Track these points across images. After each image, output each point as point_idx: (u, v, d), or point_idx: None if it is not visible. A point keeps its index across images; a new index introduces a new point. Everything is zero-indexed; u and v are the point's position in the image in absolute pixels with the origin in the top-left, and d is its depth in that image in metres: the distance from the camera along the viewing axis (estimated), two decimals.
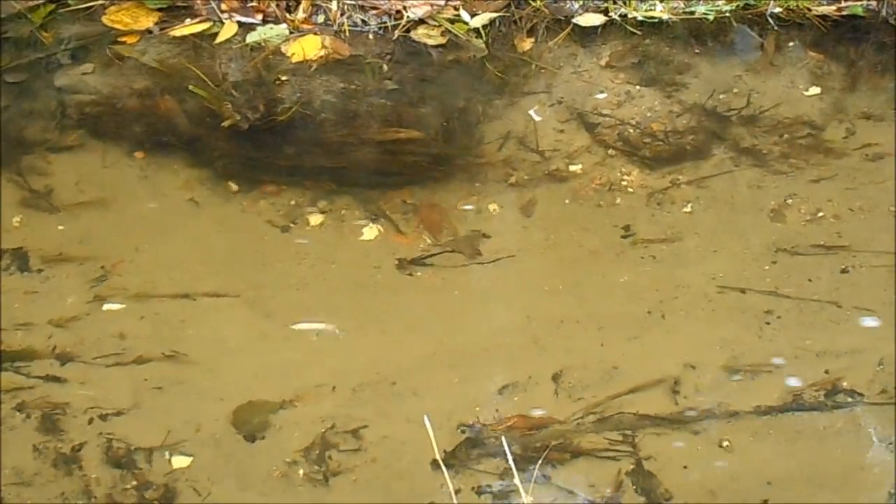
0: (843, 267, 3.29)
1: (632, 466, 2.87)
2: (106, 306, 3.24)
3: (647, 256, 3.35)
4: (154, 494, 2.84)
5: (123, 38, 4.12)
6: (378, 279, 3.32)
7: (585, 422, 2.96)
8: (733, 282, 3.26)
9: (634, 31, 4.11)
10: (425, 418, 2.63)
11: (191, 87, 3.88)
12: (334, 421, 2.97)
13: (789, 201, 3.49)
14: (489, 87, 3.93)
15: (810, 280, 3.26)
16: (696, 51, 4.05)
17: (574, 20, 4.16)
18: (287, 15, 4.15)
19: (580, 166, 3.63)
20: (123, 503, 2.82)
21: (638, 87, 3.91)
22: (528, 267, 3.35)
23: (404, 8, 4.14)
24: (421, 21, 4.14)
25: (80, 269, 3.34)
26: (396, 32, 4.11)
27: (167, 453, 2.91)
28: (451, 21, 4.13)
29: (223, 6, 4.19)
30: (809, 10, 4.11)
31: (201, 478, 2.87)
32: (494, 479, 2.86)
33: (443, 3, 4.16)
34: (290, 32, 4.12)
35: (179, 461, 2.90)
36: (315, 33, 4.11)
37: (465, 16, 4.13)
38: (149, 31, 4.15)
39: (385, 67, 4.00)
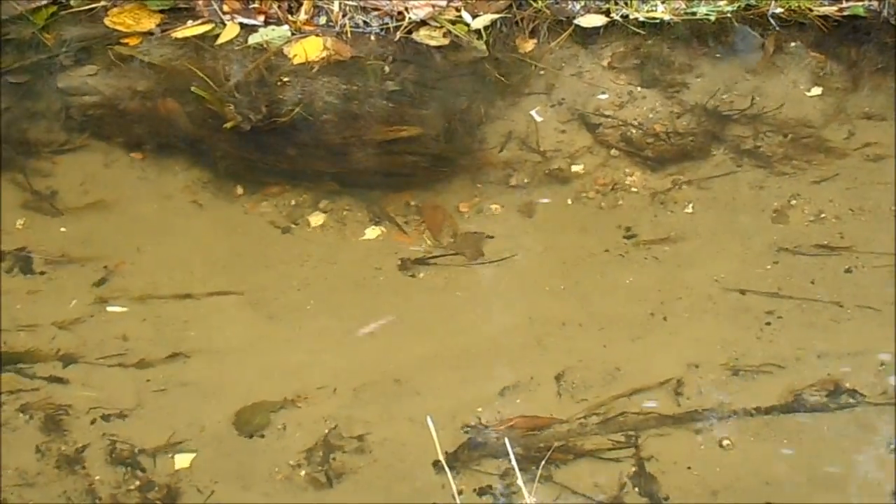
0: (845, 267, 3.29)
1: (634, 467, 2.87)
2: (109, 307, 3.25)
3: (650, 257, 3.35)
4: (157, 495, 2.84)
5: (125, 40, 4.13)
6: (380, 280, 3.32)
7: (588, 422, 2.96)
8: (735, 282, 3.26)
9: (636, 31, 4.11)
10: (428, 419, 2.63)
11: (193, 88, 3.89)
12: (337, 421, 2.97)
13: (791, 202, 3.49)
14: (491, 88, 3.93)
15: (812, 281, 3.26)
16: (698, 51, 4.05)
17: (575, 21, 4.16)
18: (289, 16, 4.16)
19: (582, 167, 3.63)
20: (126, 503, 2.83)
21: (639, 88, 3.91)
22: (531, 267, 3.35)
23: (406, 9, 4.14)
24: (422, 22, 4.15)
25: (82, 270, 3.34)
26: (398, 34, 4.11)
27: (170, 454, 2.92)
28: (453, 22, 4.13)
29: (225, 8, 4.19)
30: (811, 10, 4.11)
31: (204, 478, 2.87)
32: (497, 479, 2.86)
33: (444, 4, 4.16)
34: (292, 34, 4.12)
35: (182, 461, 2.90)
36: (317, 35, 4.11)
37: (466, 17, 4.13)
38: (151, 33, 4.16)
39: (387, 69, 4.01)
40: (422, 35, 4.12)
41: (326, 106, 3.85)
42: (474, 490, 2.84)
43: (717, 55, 4.04)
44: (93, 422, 2.99)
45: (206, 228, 3.49)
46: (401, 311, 3.23)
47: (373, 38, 4.12)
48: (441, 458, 2.78)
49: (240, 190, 3.58)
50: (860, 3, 4.14)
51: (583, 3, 4.19)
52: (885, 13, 4.11)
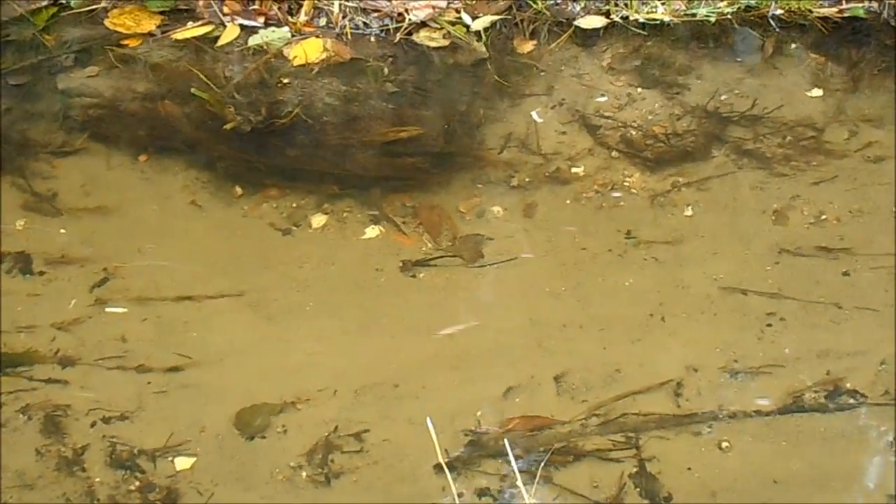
0: (844, 269, 3.29)
1: (634, 468, 2.87)
2: (108, 309, 3.25)
3: (650, 258, 3.35)
4: (157, 496, 2.84)
5: (126, 42, 4.13)
6: (380, 281, 3.32)
7: (588, 424, 2.96)
8: (735, 283, 3.26)
9: (636, 33, 4.12)
10: (428, 420, 2.63)
11: (193, 90, 3.89)
12: (337, 423, 2.97)
13: (791, 203, 3.49)
14: (491, 90, 3.93)
15: (812, 282, 3.26)
16: (698, 53, 4.05)
17: (575, 22, 4.16)
18: (289, 18, 4.16)
19: (582, 168, 3.63)
20: None
21: (639, 90, 3.91)
22: (530, 269, 3.35)
23: (406, 11, 4.14)
24: (422, 24, 4.15)
25: (82, 271, 3.34)
26: (398, 35, 4.11)
27: (170, 456, 2.92)
28: (453, 24, 4.13)
29: (225, 9, 4.19)
30: (811, 11, 4.12)
31: (204, 479, 2.87)
32: (497, 481, 2.86)
33: (444, 5, 4.16)
34: (292, 35, 4.12)
35: (182, 463, 2.90)
36: (317, 36, 4.11)
37: (466, 18, 4.14)
38: (151, 35, 4.16)
39: (387, 70, 4.01)
40: (422, 36, 4.12)
41: (326, 107, 3.85)
42: (474, 491, 2.84)
43: (717, 56, 4.04)
44: (93, 423, 2.98)
45: (207, 230, 3.49)
46: (401, 312, 3.23)
47: (373, 39, 4.12)
48: (441, 460, 2.78)
49: (239, 191, 3.58)
50: (860, 5, 4.14)
51: (583, 5, 4.19)
52: (884, 14, 4.11)
